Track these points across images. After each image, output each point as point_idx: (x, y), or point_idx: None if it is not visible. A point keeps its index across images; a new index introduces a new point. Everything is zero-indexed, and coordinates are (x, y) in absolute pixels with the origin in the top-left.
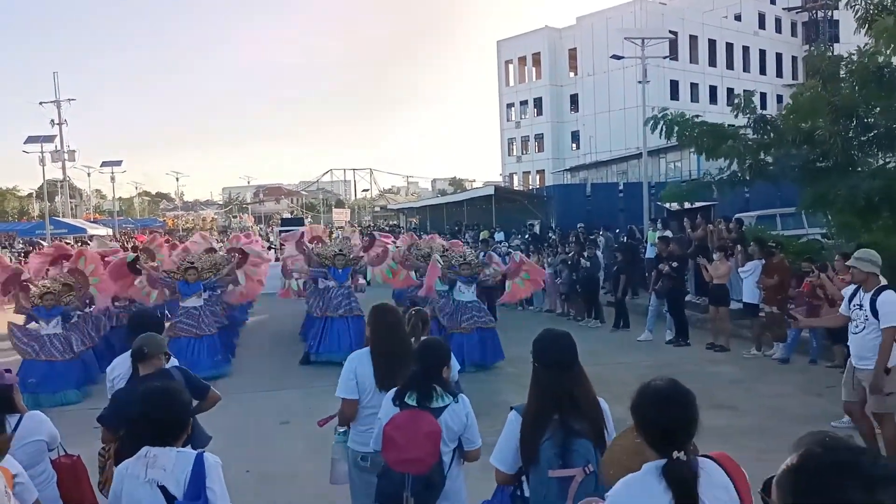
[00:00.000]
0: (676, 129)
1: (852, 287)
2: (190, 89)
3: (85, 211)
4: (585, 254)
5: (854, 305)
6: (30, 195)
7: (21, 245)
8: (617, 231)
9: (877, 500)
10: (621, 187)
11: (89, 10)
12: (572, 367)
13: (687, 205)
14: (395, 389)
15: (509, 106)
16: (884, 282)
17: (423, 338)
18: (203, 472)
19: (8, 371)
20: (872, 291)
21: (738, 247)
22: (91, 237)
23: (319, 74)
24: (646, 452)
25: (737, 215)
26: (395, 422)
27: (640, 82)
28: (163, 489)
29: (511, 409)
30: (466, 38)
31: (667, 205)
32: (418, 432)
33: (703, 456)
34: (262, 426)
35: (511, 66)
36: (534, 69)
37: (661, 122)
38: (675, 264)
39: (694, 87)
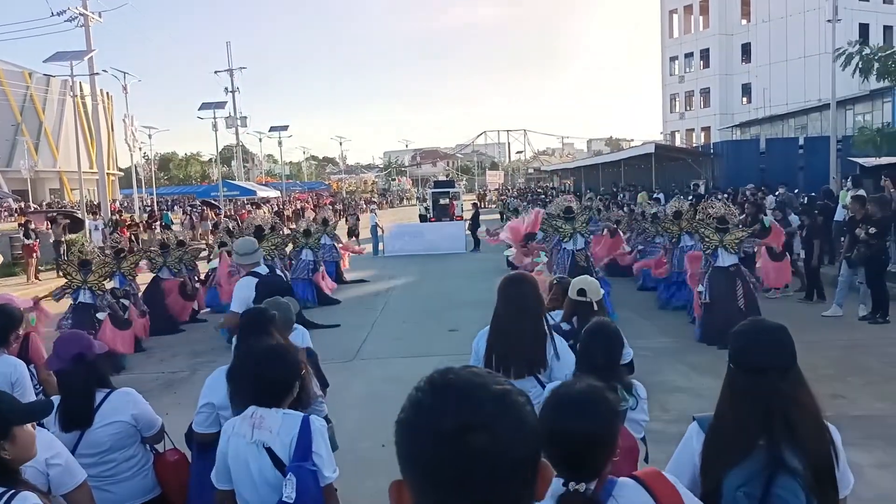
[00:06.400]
0: (877, 65)
1: None
2: (349, 56)
3: (258, 174)
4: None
5: None
6: (210, 160)
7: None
8: (796, 191)
9: None
10: (801, 143)
11: None
12: (787, 374)
13: (885, 160)
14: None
15: (672, 59)
16: None
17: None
18: (309, 436)
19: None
20: None
21: None
22: (262, 199)
23: (473, 37)
24: None
25: None
26: None
27: (829, 21)
28: (269, 451)
29: (693, 419)
30: None
31: (859, 161)
32: None
33: (629, 477)
34: (402, 395)
35: (675, 16)
36: (701, 18)
37: (857, 58)
38: (872, 229)
39: (888, 30)
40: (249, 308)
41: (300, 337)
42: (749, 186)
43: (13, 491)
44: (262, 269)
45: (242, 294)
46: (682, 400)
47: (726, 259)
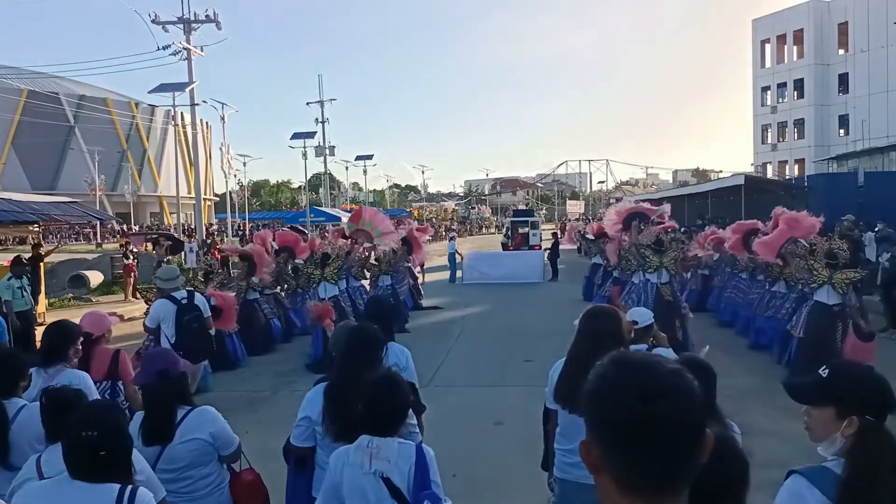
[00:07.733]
0: None
1: None
2: (434, 86)
3: (343, 201)
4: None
5: None
6: (299, 187)
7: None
8: None
9: None
10: None
11: (345, 22)
12: None
13: None
14: None
15: (765, 89)
16: None
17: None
18: (426, 464)
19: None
20: None
21: None
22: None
23: (556, 66)
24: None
25: None
26: None
27: None
28: (386, 481)
29: (791, 473)
30: (713, 18)
31: None
32: None
33: None
34: (475, 425)
35: (768, 46)
36: (795, 48)
37: None
38: None
39: None
40: (359, 325)
41: (404, 358)
42: (846, 217)
43: (133, 487)
44: (181, 294)
45: (155, 312)
46: (769, 444)
47: (832, 297)
